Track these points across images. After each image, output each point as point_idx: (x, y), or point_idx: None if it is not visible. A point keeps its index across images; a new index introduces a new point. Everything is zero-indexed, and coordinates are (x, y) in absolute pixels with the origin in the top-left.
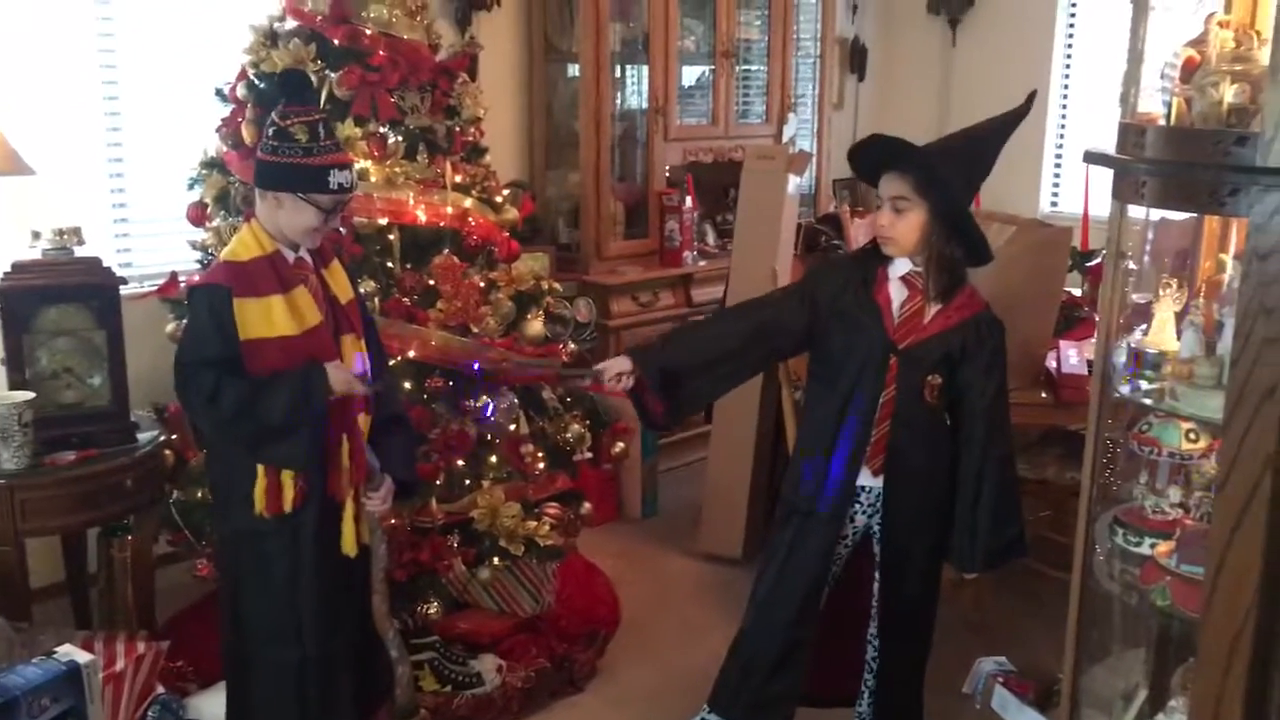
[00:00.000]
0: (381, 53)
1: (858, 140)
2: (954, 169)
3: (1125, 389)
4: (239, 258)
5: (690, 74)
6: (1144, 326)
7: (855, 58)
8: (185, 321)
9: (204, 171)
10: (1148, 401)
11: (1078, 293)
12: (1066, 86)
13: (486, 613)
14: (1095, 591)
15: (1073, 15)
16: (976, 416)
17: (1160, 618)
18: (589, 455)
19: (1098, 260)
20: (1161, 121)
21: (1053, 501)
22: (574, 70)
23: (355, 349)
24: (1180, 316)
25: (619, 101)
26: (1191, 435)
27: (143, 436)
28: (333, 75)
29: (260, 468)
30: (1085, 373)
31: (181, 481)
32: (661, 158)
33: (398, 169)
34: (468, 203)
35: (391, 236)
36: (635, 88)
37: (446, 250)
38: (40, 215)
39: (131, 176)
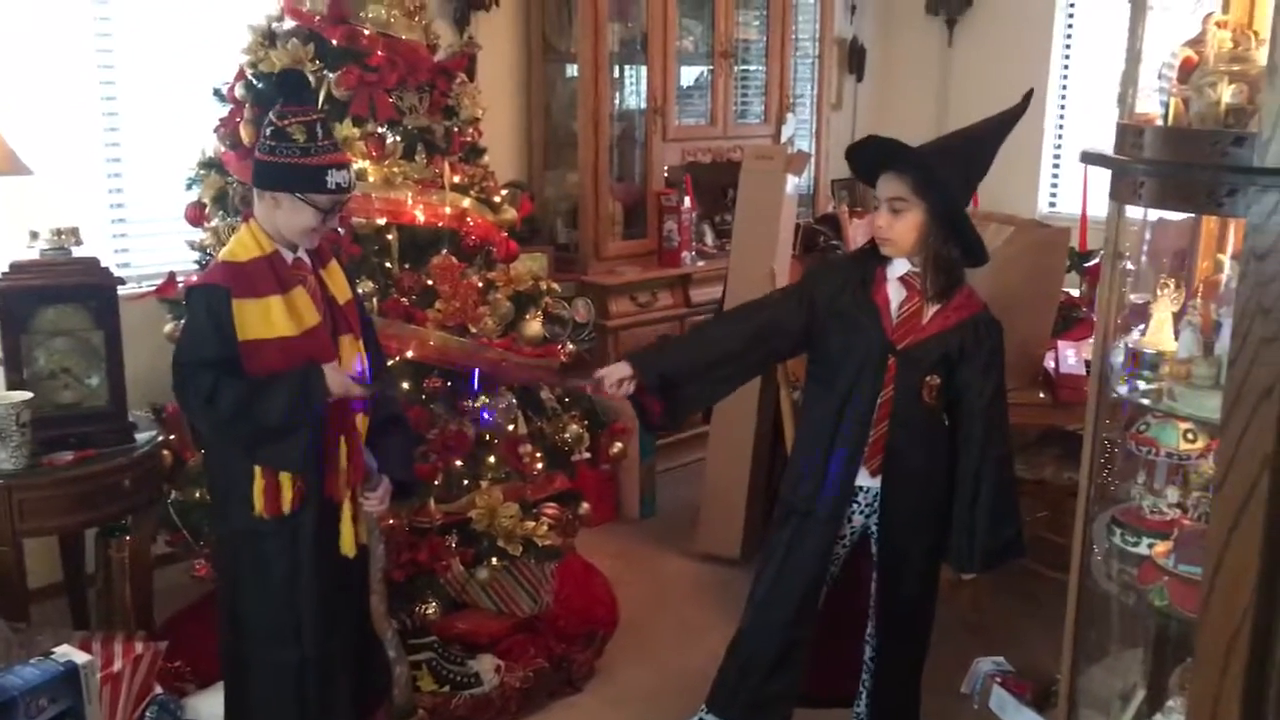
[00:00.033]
0: (380, 53)
1: (855, 141)
2: (952, 169)
3: (1123, 389)
4: (237, 258)
5: (689, 74)
6: (1142, 327)
7: (854, 58)
8: (183, 322)
9: (202, 172)
10: (1145, 401)
11: (1076, 293)
12: (1065, 86)
13: (485, 613)
14: (1093, 591)
15: (1071, 15)
16: (975, 417)
17: (1158, 618)
18: (587, 455)
19: (1096, 260)
20: (1159, 122)
21: (1050, 501)
22: (572, 70)
23: (354, 349)
24: (1178, 317)
25: (617, 102)
26: (1189, 435)
27: (141, 437)
28: (331, 75)
29: (258, 468)
30: (1083, 373)
31: (179, 482)
32: (660, 158)
33: (396, 169)
34: (466, 203)
35: (390, 237)
36: (634, 88)
37: (445, 250)
38: (38, 215)
39: (129, 177)
